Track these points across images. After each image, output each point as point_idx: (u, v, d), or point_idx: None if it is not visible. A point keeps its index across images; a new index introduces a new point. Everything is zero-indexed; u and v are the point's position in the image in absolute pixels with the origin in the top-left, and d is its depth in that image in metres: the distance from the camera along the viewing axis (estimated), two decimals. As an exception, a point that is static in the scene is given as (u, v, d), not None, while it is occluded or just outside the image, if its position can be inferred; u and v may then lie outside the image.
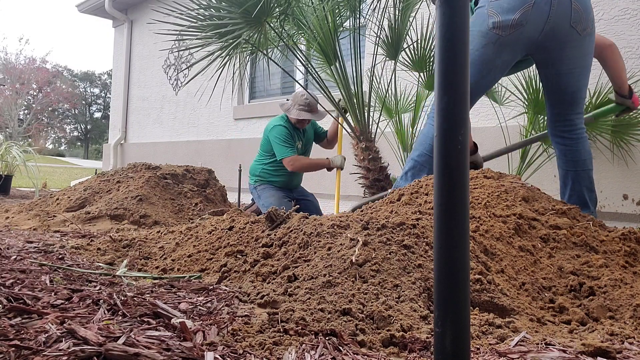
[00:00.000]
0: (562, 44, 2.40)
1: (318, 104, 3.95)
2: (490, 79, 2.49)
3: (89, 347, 0.97)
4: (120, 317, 1.24)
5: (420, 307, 1.37)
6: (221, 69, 3.41)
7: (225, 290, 1.61)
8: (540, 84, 2.67)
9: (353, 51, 3.52)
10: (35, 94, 33.80)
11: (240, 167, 4.67)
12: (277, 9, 3.43)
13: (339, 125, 3.88)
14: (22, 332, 1.05)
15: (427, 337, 1.19)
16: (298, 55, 3.71)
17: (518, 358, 1.09)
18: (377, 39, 3.60)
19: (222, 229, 2.26)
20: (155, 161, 4.93)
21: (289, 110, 3.88)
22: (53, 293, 1.42)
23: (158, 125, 8.10)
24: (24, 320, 1.14)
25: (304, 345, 1.11)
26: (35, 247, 2.32)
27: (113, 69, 9.42)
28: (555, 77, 2.49)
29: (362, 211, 2.27)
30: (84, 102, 47.78)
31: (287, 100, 4.01)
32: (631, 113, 3.09)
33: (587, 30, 2.40)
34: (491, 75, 2.47)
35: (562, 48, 2.41)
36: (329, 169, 3.94)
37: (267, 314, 1.32)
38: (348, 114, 3.59)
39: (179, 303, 1.42)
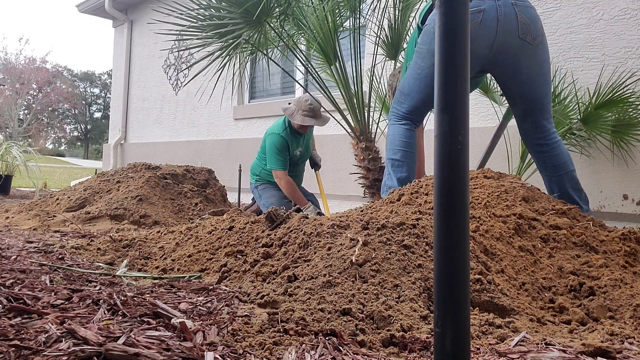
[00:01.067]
0: (515, 56, 2.43)
1: (322, 108, 3.93)
2: None
3: (89, 347, 0.97)
4: (120, 317, 1.24)
5: (420, 307, 1.37)
6: (221, 69, 3.41)
7: (225, 290, 1.61)
8: (506, 100, 2.71)
9: (353, 51, 3.52)
10: (35, 94, 33.81)
11: (240, 167, 4.67)
12: (277, 9, 3.43)
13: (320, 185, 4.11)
14: (22, 332, 1.05)
15: (427, 337, 1.19)
16: (298, 55, 3.71)
17: (518, 358, 1.09)
18: (377, 39, 3.60)
19: (222, 229, 2.26)
20: (155, 161, 4.94)
21: (293, 115, 3.82)
22: (53, 293, 1.42)
23: (158, 125, 8.09)
24: (24, 320, 1.14)
25: (304, 345, 1.11)
26: (35, 247, 2.32)
27: (113, 69, 9.42)
28: (518, 88, 2.52)
29: (362, 211, 2.27)
30: (84, 102, 47.76)
31: (290, 104, 3.97)
32: (631, 113, 3.10)
33: (537, 39, 2.43)
34: None
35: (516, 60, 2.44)
36: (299, 210, 4.02)
37: (267, 314, 1.32)
38: (348, 114, 3.59)
39: (179, 303, 1.42)
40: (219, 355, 1.02)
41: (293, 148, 3.95)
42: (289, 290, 1.47)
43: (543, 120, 2.54)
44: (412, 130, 2.68)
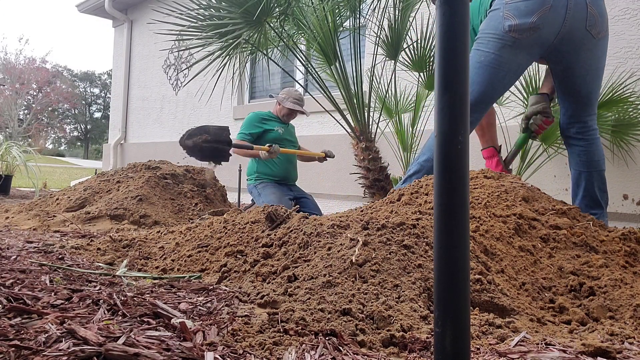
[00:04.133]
0: (577, 47, 2.39)
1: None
2: (506, 82, 2.46)
3: (89, 347, 0.97)
4: (120, 317, 1.24)
5: (420, 307, 1.37)
6: (221, 69, 3.41)
7: (225, 290, 1.61)
8: (555, 85, 2.66)
9: (353, 51, 3.52)
10: (35, 94, 33.82)
11: (240, 167, 4.67)
12: (277, 9, 3.43)
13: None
14: (22, 332, 1.05)
15: (427, 337, 1.19)
16: (298, 55, 3.71)
17: (518, 358, 1.09)
18: (377, 39, 3.60)
19: (219, 229, 2.26)
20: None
21: (284, 100, 4.15)
22: (53, 293, 1.42)
23: (158, 125, 8.09)
24: (24, 320, 1.14)
25: (304, 345, 1.11)
26: (35, 247, 2.32)
27: (113, 69, 9.42)
28: (571, 79, 2.48)
29: (362, 211, 2.27)
30: (84, 102, 47.78)
31: (279, 93, 4.29)
32: (631, 113, 3.10)
33: (601, 33, 2.39)
34: (507, 79, 2.44)
35: (577, 51, 2.40)
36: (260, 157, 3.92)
37: (267, 314, 1.32)
38: (348, 114, 3.59)
39: (179, 303, 1.42)
40: (219, 355, 1.02)
41: (271, 125, 4.18)
42: (289, 290, 1.47)
43: (585, 116, 2.53)
44: None
